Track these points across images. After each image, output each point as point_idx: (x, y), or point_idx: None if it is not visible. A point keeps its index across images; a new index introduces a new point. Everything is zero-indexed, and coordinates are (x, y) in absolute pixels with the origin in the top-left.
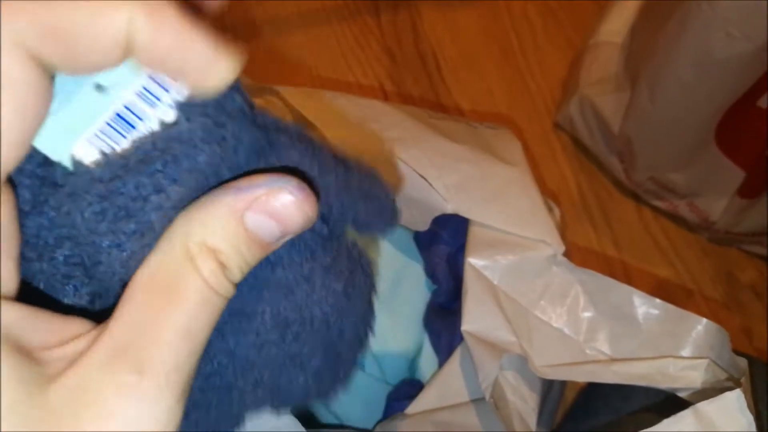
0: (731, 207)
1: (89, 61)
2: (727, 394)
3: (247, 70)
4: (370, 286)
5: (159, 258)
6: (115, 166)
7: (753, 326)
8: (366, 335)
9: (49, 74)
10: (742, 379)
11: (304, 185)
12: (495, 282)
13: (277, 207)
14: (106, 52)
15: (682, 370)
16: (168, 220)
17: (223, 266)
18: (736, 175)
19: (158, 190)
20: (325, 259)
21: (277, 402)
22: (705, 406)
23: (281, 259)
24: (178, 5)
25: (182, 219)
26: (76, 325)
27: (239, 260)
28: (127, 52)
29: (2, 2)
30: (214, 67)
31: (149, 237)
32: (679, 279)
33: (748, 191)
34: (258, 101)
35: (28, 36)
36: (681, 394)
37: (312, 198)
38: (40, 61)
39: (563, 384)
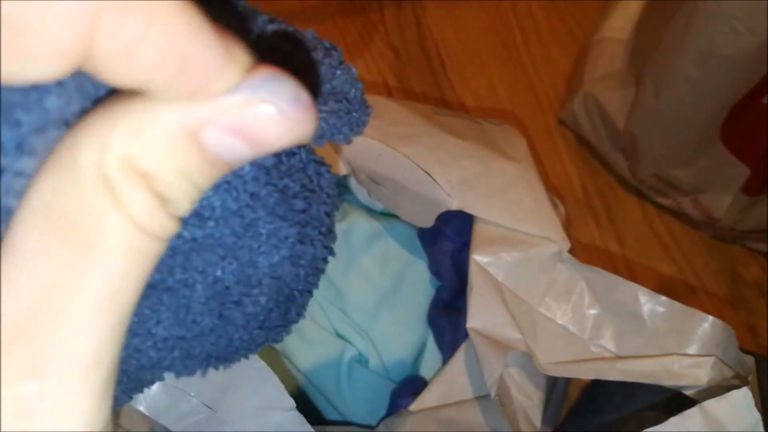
0: (736, 204)
1: (20, 71)
2: (735, 392)
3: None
4: (331, 208)
5: (53, 184)
6: None
7: (757, 323)
8: (325, 263)
9: None
10: (749, 377)
11: (303, 93)
12: (500, 279)
13: (254, 126)
14: (50, 58)
15: (688, 368)
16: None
17: (161, 198)
18: (740, 172)
19: None
20: (270, 198)
21: (213, 365)
22: (712, 405)
23: (212, 209)
24: None
25: (92, 125)
26: None
27: (187, 188)
28: (83, 59)
29: None
30: (223, 69)
31: None
32: (682, 276)
33: (752, 188)
34: None
35: None
36: (687, 392)
37: (311, 113)
38: None
39: (567, 382)
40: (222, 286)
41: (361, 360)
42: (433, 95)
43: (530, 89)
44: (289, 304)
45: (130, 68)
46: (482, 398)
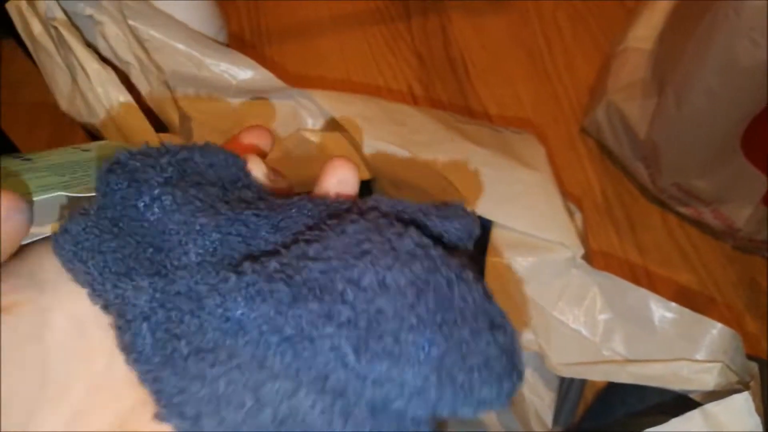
0: (756, 215)
1: None
2: (736, 396)
3: (279, 74)
4: None
5: None
6: None
7: None
8: None
9: None
10: (751, 383)
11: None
12: (515, 282)
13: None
14: None
15: (696, 373)
16: None
17: None
18: (761, 183)
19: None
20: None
21: None
22: (713, 407)
23: None
24: None
25: None
26: None
27: None
28: None
29: None
30: None
31: None
32: (702, 285)
33: None
34: (289, 104)
35: None
36: (693, 396)
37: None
38: None
39: (583, 384)
40: None
41: None
42: (458, 103)
43: (554, 98)
44: None
45: None
46: None
